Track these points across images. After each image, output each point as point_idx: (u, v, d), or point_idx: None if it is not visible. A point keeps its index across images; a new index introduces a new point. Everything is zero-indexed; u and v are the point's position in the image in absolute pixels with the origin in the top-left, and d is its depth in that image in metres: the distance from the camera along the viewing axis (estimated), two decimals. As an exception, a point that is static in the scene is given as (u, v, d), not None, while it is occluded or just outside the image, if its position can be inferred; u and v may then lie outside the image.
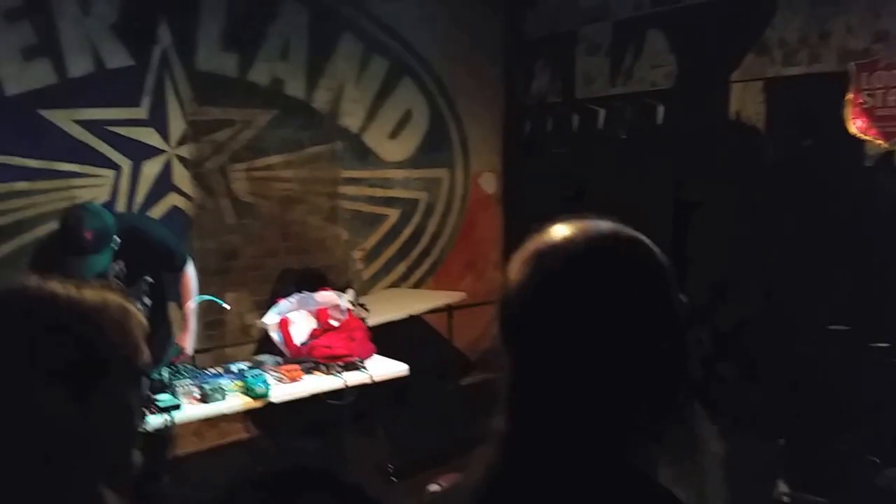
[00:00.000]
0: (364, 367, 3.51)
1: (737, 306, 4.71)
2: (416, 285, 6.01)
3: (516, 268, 0.97)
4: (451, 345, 5.83)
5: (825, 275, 4.30)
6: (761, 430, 4.24)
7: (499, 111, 6.35)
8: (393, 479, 4.17)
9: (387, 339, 4.30)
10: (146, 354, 1.08)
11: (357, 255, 5.69)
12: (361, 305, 4.77)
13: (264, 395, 3.13)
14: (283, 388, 3.26)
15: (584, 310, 0.90)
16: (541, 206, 5.98)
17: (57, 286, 1.03)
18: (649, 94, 5.23)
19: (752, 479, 4.04)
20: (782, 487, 3.77)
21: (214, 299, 3.56)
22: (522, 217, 6.24)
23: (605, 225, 0.98)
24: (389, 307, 5.01)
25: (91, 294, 1.04)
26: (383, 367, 3.61)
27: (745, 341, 4.59)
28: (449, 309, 5.58)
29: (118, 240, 3.04)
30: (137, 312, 1.12)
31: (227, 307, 3.76)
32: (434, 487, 3.81)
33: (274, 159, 5.21)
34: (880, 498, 2.74)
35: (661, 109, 5.17)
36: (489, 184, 6.39)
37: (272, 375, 3.35)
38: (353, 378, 3.43)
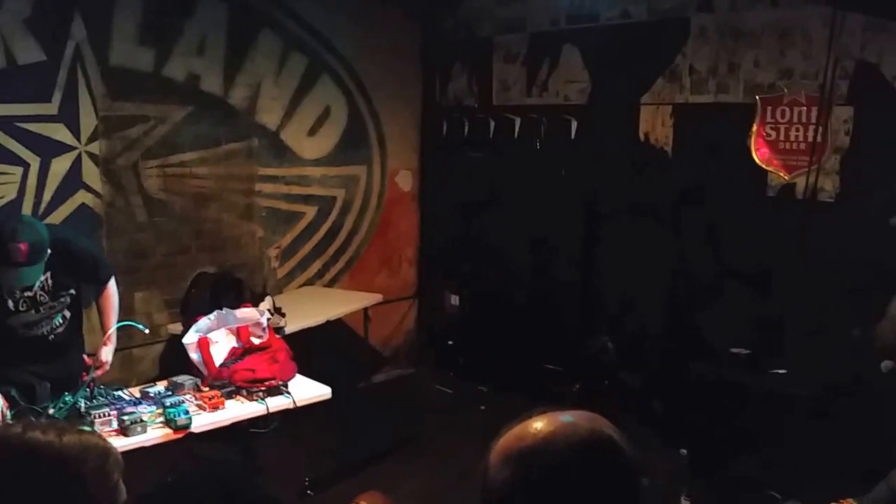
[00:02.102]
0: (287, 392, 3.52)
1: (642, 320, 4.96)
2: (332, 282, 6.01)
3: (497, 466, 1.01)
4: (366, 342, 5.89)
5: (728, 297, 4.58)
6: (663, 442, 4.50)
7: (416, 111, 6.38)
8: (309, 492, 4.20)
9: (303, 341, 4.31)
10: (123, 494, 1.11)
11: (272, 252, 5.64)
12: (279, 311, 4.77)
13: (186, 427, 3.11)
14: (205, 417, 3.24)
15: None
16: (456, 205, 6.10)
17: (38, 435, 1.04)
18: (563, 108, 5.38)
19: (656, 493, 4.29)
20: (685, 503, 4.02)
21: (136, 324, 3.49)
22: (438, 215, 6.34)
23: (582, 426, 1.03)
24: (306, 310, 5.02)
25: (71, 441, 1.06)
26: (306, 390, 3.63)
27: (650, 354, 4.84)
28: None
29: (49, 252, 3.00)
30: (115, 451, 1.14)
31: (147, 331, 3.69)
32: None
33: (188, 156, 5.09)
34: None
35: (574, 124, 5.32)
36: (406, 182, 6.43)
37: (192, 402, 3.32)
38: (275, 403, 3.44)
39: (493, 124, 5.85)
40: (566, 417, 1.04)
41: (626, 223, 5.05)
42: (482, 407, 5.34)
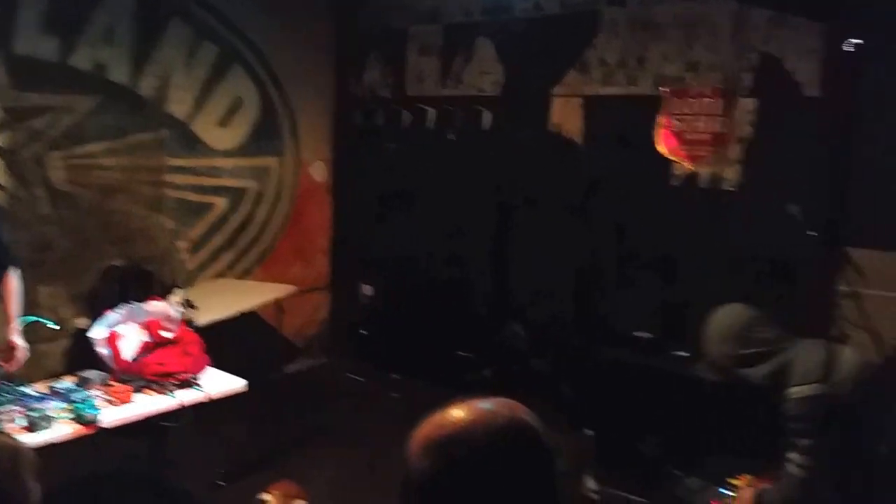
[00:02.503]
0: (199, 385, 3.46)
1: (552, 307, 5.08)
2: (245, 274, 5.92)
3: (418, 456, 1.02)
4: (279, 333, 5.84)
5: (633, 283, 4.74)
6: (571, 424, 4.63)
7: (330, 102, 6.34)
8: (221, 482, 4.14)
9: (216, 333, 4.24)
10: (37, 494, 1.09)
11: (182, 244, 5.51)
12: (190, 303, 4.67)
13: (94, 421, 3.03)
14: (114, 411, 3.15)
15: (481, 497, 0.98)
16: (371, 196, 6.10)
17: None
18: (477, 100, 5.44)
19: (562, 474, 4.41)
20: (590, 484, 4.14)
21: (44, 321, 3.37)
22: (353, 206, 6.33)
23: (500, 413, 1.05)
24: (218, 303, 4.93)
25: None
26: (219, 383, 3.57)
27: (558, 339, 4.97)
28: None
29: None
30: (26, 450, 1.12)
31: (57, 328, 3.57)
32: (265, 496, 3.85)
33: (95, 147, 4.93)
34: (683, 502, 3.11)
35: (487, 115, 5.39)
36: (319, 173, 6.38)
37: (101, 397, 3.23)
38: (187, 397, 3.37)
39: (407, 115, 5.87)
40: (485, 405, 1.06)
41: (537, 213, 5.16)
42: (395, 395, 5.37)
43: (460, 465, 0.99)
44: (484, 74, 5.44)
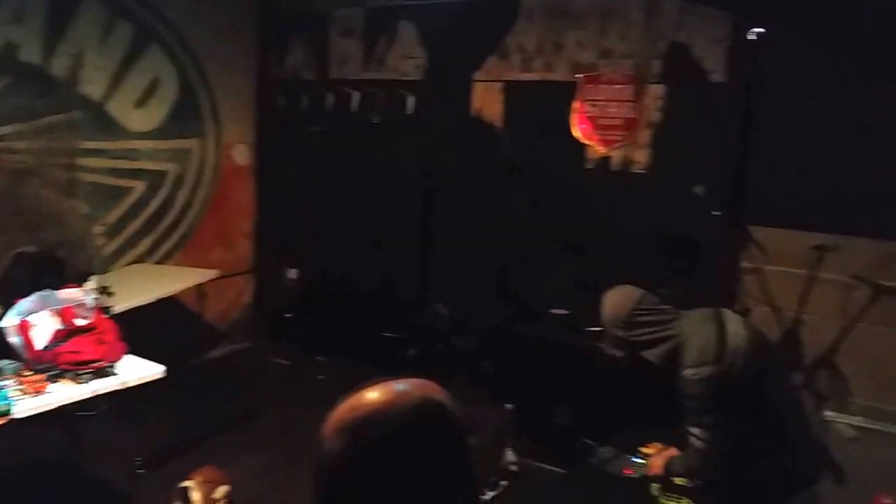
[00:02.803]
0: (115, 373, 3.41)
1: (473, 287, 5.18)
2: (165, 259, 5.83)
3: (331, 437, 1.03)
4: (202, 318, 5.78)
5: (550, 263, 4.88)
6: (492, 399, 4.75)
7: (252, 83, 6.26)
8: (141, 471, 4.10)
9: (135, 320, 4.19)
10: None
11: (98, 230, 5.39)
12: (106, 290, 4.58)
13: (6, 413, 2.96)
14: (28, 402, 3.10)
15: (395, 478, 1.00)
16: (295, 180, 6.08)
17: None
18: (400, 84, 5.47)
19: (484, 448, 4.53)
20: (510, 456, 4.26)
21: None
22: (276, 189, 6.29)
23: (413, 393, 1.07)
24: (136, 289, 4.85)
25: None
26: (137, 370, 3.54)
27: (480, 318, 5.07)
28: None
29: None
30: None
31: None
32: (187, 483, 3.84)
33: (5, 130, 4.75)
34: (600, 473, 3.23)
35: (411, 99, 5.43)
36: (242, 155, 6.31)
37: (14, 387, 3.16)
38: (104, 385, 3.33)
39: (331, 98, 5.86)
40: (399, 386, 1.07)
41: (459, 196, 5.24)
42: (320, 377, 5.39)
43: (373, 447, 1.01)
44: (407, 58, 5.48)
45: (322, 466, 1.03)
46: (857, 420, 3.56)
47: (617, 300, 2.84)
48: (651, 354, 2.76)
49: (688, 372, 2.59)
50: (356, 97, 5.73)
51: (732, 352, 2.60)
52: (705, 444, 2.61)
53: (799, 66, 3.96)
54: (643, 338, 2.76)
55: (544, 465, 4.14)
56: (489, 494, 4.05)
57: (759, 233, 3.99)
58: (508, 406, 4.56)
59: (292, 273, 6.24)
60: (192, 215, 5.99)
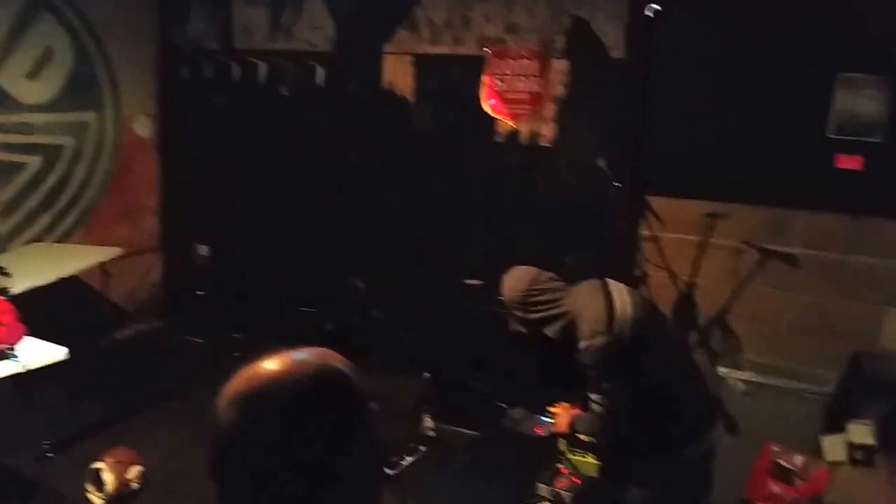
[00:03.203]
0: (15, 356, 3.32)
1: (390, 259, 5.24)
2: (64, 238, 5.63)
3: (227, 409, 1.01)
4: (107, 298, 5.63)
5: (464, 235, 4.99)
6: (410, 369, 4.86)
7: (153, 52, 6.07)
8: (50, 454, 4.01)
9: (35, 301, 4.07)
10: None
11: (-9, 208, 5.16)
12: (2, 271, 4.41)
13: None
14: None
15: (293, 447, 0.98)
16: (202, 153, 5.95)
17: None
18: (310, 55, 5.42)
19: (404, 416, 4.64)
20: (428, 422, 4.39)
21: None
22: (182, 164, 6.14)
23: (310, 362, 1.05)
24: (35, 269, 4.68)
25: None
26: (39, 352, 3.44)
27: (397, 290, 5.15)
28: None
29: None
30: None
31: None
32: (99, 465, 3.80)
33: None
34: (512, 435, 3.38)
35: (320, 71, 5.40)
36: (144, 128, 6.12)
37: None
38: (3, 369, 3.23)
39: (236, 69, 5.75)
40: (296, 356, 1.05)
41: (373, 169, 5.27)
42: (236, 354, 5.36)
43: (269, 417, 0.99)
44: (315, 29, 5.42)
45: (218, 439, 1.01)
46: (747, 375, 3.82)
47: (513, 281, 2.92)
48: (549, 331, 2.86)
49: (582, 344, 2.70)
50: (263, 68, 5.64)
51: (621, 321, 2.71)
52: (603, 409, 2.74)
53: (693, 41, 4.16)
54: (539, 316, 2.85)
55: (461, 430, 4.27)
56: (408, 459, 4.18)
57: (657, 203, 4.20)
58: (426, 375, 4.69)
59: (202, 249, 6.13)
60: (92, 191, 5.79)
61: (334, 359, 1.08)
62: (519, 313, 2.88)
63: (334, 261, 5.50)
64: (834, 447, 3.45)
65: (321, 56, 5.40)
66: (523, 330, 2.96)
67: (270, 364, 1.04)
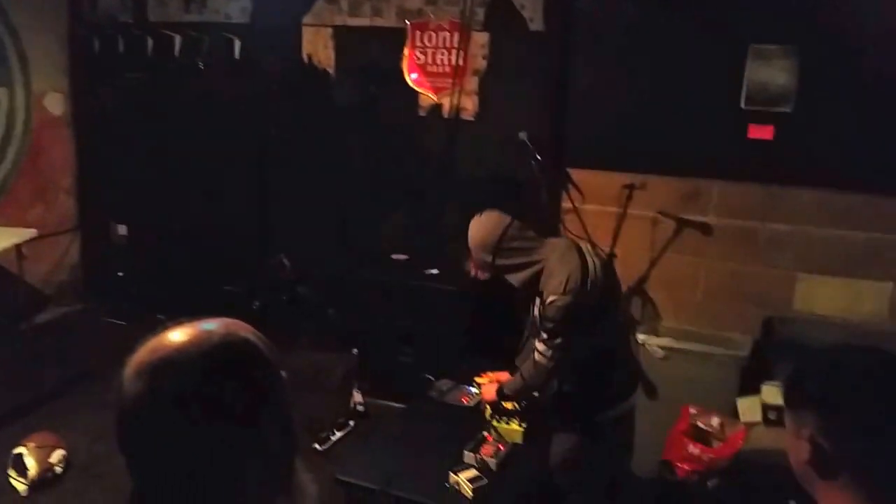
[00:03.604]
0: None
1: (315, 235, 5.20)
2: (-25, 219, 5.41)
3: (130, 380, 0.99)
4: (23, 281, 5.44)
5: (388, 209, 4.98)
6: (338, 345, 4.86)
7: (63, 27, 5.82)
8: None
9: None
10: None
11: None
12: None
13: None
14: None
15: (200, 417, 0.96)
16: (117, 129, 5.77)
17: None
18: (226, 27, 5.29)
19: (333, 392, 4.65)
20: (357, 397, 4.40)
21: None
22: (97, 141, 5.95)
23: (216, 331, 1.03)
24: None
25: None
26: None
27: (324, 266, 5.12)
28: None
29: None
30: None
31: None
32: (20, 449, 3.70)
33: None
34: (439, 406, 3.41)
35: (237, 43, 5.27)
36: (56, 105, 5.89)
37: None
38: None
39: (151, 43, 5.57)
40: (203, 325, 1.04)
41: (294, 144, 5.19)
42: (159, 335, 5.25)
43: (172, 387, 0.97)
44: (230, 1, 5.29)
45: (122, 411, 0.98)
46: (665, 341, 3.92)
47: (486, 226, 2.91)
48: (514, 279, 2.90)
49: (552, 298, 2.74)
50: (178, 41, 5.48)
51: (591, 281, 2.80)
52: (547, 362, 2.81)
53: (610, 14, 4.22)
54: (509, 262, 2.87)
55: (390, 403, 4.29)
56: (337, 434, 4.19)
57: (578, 175, 4.26)
58: (354, 351, 4.70)
59: (121, 229, 5.98)
60: (3, 172, 5.57)
61: (241, 328, 1.06)
62: (489, 258, 2.88)
63: (258, 238, 5.43)
64: (749, 408, 3.60)
65: (238, 28, 5.27)
66: (485, 276, 2.99)
67: (175, 334, 1.02)
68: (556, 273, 2.78)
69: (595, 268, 2.84)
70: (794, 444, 1.30)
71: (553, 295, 2.74)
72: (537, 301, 2.88)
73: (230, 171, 5.45)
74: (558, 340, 2.78)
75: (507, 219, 2.91)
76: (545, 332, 2.80)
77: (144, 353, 1.01)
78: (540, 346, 2.83)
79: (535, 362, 2.86)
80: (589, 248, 2.99)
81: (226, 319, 1.07)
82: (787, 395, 1.34)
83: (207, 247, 5.51)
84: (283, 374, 1.07)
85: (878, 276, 3.84)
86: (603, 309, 2.89)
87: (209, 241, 5.53)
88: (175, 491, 0.98)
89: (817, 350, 1.37)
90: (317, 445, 4.07)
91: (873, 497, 1.22)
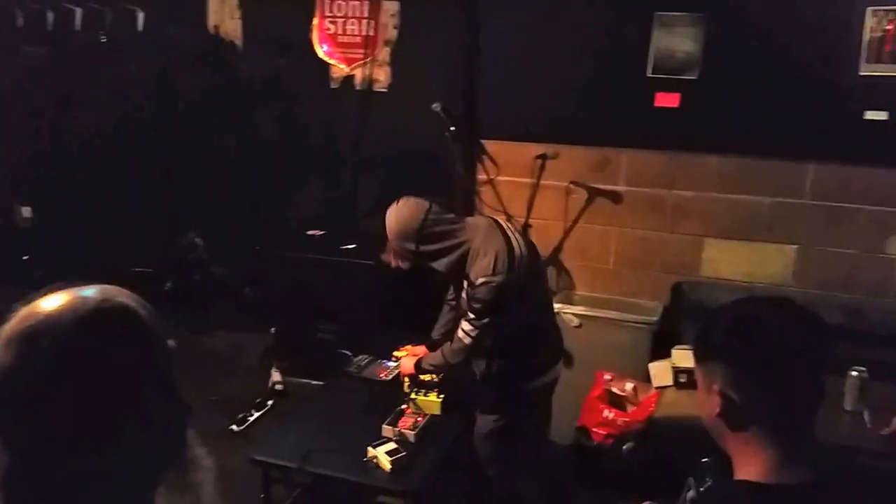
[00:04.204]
0: None
1: (227, 212, 5.08)
2: None
3: (1, 351, 0.94)
4: None
5: (302, 184, 4.90)
6: (255, 324, 4.78)
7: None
8: None
9: None
10: None
11: None
12: None
13: None
14: None
15: (76, 386, 0.93)
16: (17, 107, 5.50)
17: None
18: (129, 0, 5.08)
19: (251, 372, 4.57)
20: (275, 376, 4.34)
21: None
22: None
23: (92, 297, 0.99)
24: None
25: None
26: None
27: (237, 244, 5.01)
28: None
29: None
30: None
31: None
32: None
33: None
34: (357, 381, 3.38)
35: (141, 15, 5.07)
36: (-50, 83, 5.56)
37: None
38: None
39: (51, 16, 5.30)
40: (81, 292, 0.99)
41: (203, 118, 5.05)
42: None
43: (46, 356, 0.92)
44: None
45: None
46: (579, 309, 3.98)
47: (405, 213, 2.84)
48: (440, 264, 2.85)
49: (482, 279, 2.72)
50: (79, 14, 5.24)
51: (518, 260, 2.78)
52: (471, 341, 2.81)
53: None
54: (433, 248, 2.83)
55: (309, 382, 4.24)
56: (255, 414, 4.13)
57: (492, 146, 4.26)
58: (272, 330, 4.63)
59: (25, 211, 5.72)
60: None
61: (120, 294, 1.02)
62: (412, 245, 2.83)
63: (168, 217, 5.28)
64: (661, 372, 3.69)
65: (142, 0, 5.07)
66: (406, 265, 2.93)
67: (49, 301, 0.98)
68: (483, 254, 2.76)
69: (520, 245, 2.84)
70: (705, 399, 1.33)
71: (483, 276, 2.72)
72: (464, 283, 2.85)
73: (137, 147, 5.26)
74: (485, 320, 2.77)
75: (425, 204, 2.85)
76: (473, 312, 2.78)
77: (16, 322, 0.96)
78: (466, 325, 2.82)
79: (458, 339, 2.85)
80: (509, 225, 2.99)
81: (104, 285, 1.03)
82: (696, 350, 1.36)
83: (116, 228, 5.33)
84: (170, 342, 1.04)
85: (781, 240, 3.96)
86: (529, 285, 2.89)
87: (117, 222, 5.34)
88: (52, 464, 0.94)
89: (724, 304, 1.39)
90: (234, 426, 4.00)
91: (782, 445, 1.25)
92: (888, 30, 3.57)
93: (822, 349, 1.29)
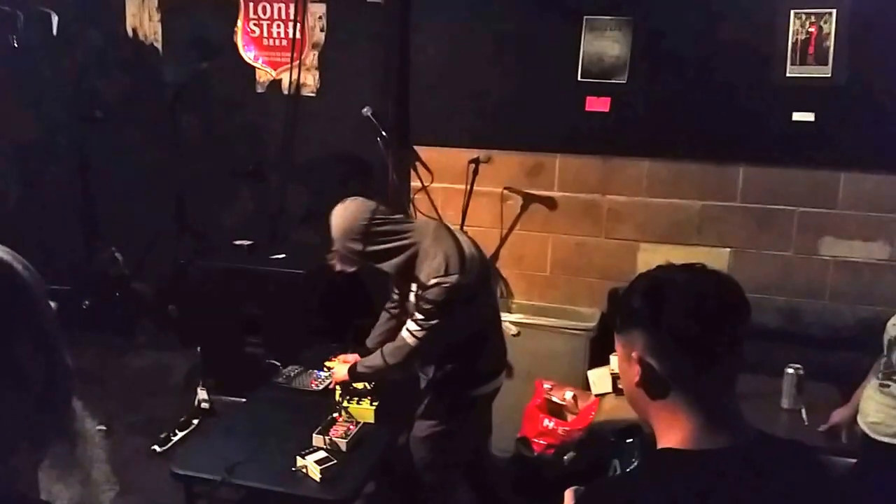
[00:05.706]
0: None
1: (149, 225, 4.87)
2: None
3: None
4: None
5: (228, 193, 4.73)
6: (180, 342, 4.57)
7: None
8: None
9: None
10: None
11: None
12: None
13: None
14: None
15: None
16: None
17: None
18: (42, 1, 4.85)
19: (176, 392, 4.35)
20: (201, 395, 4.13)
21: None
22: None
23: None
24: None
25: None
26: None
27: (160, 260, 4.80)
28: None
29: None
30: None
31: None
32: None
33: None
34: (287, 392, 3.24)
35: (55, 18, 4.85)
36: None
37: None
38: None
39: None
40: None
41: (122, 126, 4.84)
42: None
43: None
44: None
45: None
46: (517, 318, 3.92)
47: (350, 213, 2.76)
48: (389, 266, 2.77)
49: (434, 280, 2.65)
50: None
51: (469, 262, 2.72)
52: (415, 342, 2.72)
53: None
54: (380, 248, 2.74)
55: (236, 399, 4.05)
56: (179, 434, 3.92)
57: (424, 152, 4.17)
58: (198, 348, 4.42)
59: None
60: None
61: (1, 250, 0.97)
62: (358, 246, 2.73)
63: (84, 230, 5.02)
64: (600, 380, 3.65)
65: (55, 2, 4.85)
66: (351, 268, 2.83)
67: None
68: (434, 255, 2.70)
69: (469, 247, 2.80)
70: (625, 370, 1.32)
71: (435, 277, 2.66)
72: (412, 286, 2.78)
73: (51, 157, 5.02)
74: (434, 322, 2.70)
75: (371, 204, 2.79)
76: (422, 313, 2.71)
77: None
78: (412, 325, 2.74)
79: (401, 339, 2.77)
80: (455, 227, 2.95)
81: None
82: (616, 319, 1.35)
83: (28, 242, 5.02)
84: (52, 304, 0.98)
85: (715, 243, 3.98)
86: (479, 287, 2.83)
87: (30, 236, 5.05)
88: None
89: (642, 272, 1.36)
90: (156, 447, 3.78)
91: (703, 411, 1.25)
92: (812, 32, 3.65)
93: (738, 312, 1.28)
